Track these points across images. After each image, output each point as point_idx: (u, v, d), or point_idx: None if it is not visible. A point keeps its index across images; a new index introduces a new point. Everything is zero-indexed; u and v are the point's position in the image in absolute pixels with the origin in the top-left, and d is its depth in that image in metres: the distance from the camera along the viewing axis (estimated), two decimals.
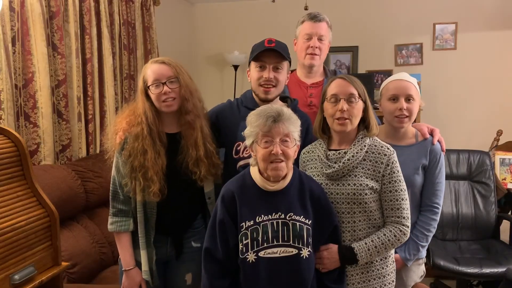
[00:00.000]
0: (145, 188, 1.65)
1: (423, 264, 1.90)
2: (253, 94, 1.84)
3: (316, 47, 2.04)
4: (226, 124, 1.85)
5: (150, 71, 1.67)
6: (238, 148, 1.80)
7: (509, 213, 3.19)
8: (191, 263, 1.77)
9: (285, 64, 1.80)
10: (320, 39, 2.05)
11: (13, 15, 2.28)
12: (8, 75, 2.22)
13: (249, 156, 1.74)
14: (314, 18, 2.07)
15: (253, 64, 1.80)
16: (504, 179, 3.22)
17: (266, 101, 1.77)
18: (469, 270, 2.51)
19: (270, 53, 1.74)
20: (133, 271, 1.71)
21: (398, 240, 1.56)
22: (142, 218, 1.69)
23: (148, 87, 1.67)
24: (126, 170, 1.67)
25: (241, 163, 1.79)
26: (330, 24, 2.11)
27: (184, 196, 1.74)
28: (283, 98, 1.90)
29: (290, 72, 2.20)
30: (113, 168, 1.73)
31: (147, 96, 1.69)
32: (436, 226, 1.82)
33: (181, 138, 1.71)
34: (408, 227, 1.58)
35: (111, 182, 1.73)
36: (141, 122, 1.66)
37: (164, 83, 1.64)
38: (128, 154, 1.66)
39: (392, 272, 1.65)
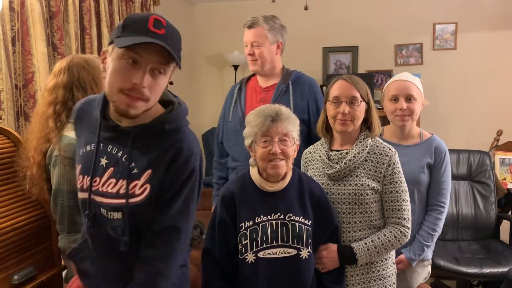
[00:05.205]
0: None
1: (429, 266, 1.89)
2: None
3: (251, 54, 2.03)
4: None
5: None
6: None
7: (509, 213, 3.18)
8: None
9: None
10: (253, 45, 2.03)
11: (13, 15, 2.28)
12: (8, 75, 2.22)
13: None
14: (246, 25, 2.06)
15: None
16: (504, 179, 3.21)
17: None
18: (469, 270, 2.50)
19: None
20: None
21: (398, 241, 1.56)
22: None
23: None
24: None
25: None
26: (274, 25, 2.04)
27: None
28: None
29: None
30: (67, 181, 1.46)
31: None
32: (442, 225, 1.81)
33: None
34: (408, 228, 1.58)
35: (66, 198, 1.46)
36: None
37: None
38: None
39: (392, 274, 1.64)
